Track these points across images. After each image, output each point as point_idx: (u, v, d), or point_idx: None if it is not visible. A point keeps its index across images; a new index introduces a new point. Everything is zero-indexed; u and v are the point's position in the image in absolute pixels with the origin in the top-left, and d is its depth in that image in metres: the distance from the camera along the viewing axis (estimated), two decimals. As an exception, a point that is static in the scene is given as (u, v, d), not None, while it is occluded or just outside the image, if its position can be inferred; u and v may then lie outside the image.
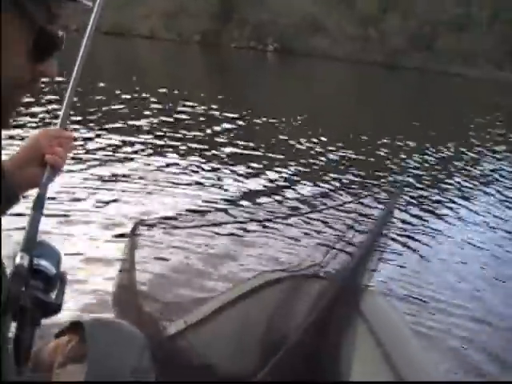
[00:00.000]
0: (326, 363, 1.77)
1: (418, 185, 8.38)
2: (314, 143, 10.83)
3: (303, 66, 36.49)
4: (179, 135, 9.93)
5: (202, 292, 3.55)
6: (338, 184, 7.74)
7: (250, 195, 6.61)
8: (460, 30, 48.20)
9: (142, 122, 10.81)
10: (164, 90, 15.84)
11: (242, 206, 5.98)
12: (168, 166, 7.69)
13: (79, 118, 9.86)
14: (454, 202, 7.54)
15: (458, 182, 8.94)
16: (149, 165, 7.57)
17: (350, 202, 3.34)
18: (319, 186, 7.56)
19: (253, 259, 4.56)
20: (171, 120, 11.43)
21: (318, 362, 1.76)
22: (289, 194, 6.99)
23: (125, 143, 8.82)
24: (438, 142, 12.61)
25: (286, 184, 7.54)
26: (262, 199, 6.46)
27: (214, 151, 8.99)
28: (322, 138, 11.43)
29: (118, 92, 14.73)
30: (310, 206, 5.29)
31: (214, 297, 2.24)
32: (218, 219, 4.15)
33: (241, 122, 12.26)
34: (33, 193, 1.28)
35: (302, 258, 2.54)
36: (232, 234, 4.89)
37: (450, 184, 8.81)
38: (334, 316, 1.92)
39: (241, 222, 4.57)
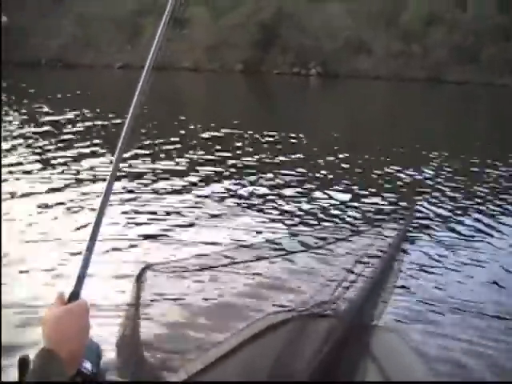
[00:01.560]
0: None
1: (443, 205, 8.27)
2: (347, 163, 10.85)
3: (346, 88, 36.49)
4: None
5: (208, 338, 3.50)
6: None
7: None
8: (506, 39, 47.24)
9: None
10: (205, 120, 16.21)
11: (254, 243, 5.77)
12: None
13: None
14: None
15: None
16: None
17: (358, 234, 3.24)
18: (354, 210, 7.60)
19: (259, 300, 4.49)
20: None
21: None
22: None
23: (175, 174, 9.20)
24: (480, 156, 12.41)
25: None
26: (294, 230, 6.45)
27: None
28: (357, 157, 11.45)
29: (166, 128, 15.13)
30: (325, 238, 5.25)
31: (219, 343, 2.18)
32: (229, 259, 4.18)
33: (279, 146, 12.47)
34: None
35: (309, 297, 2.46)
36: (236, 273, 4.82)
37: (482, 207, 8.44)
38: (343, 357, 1.88)
39: (248, 261, 4.59)
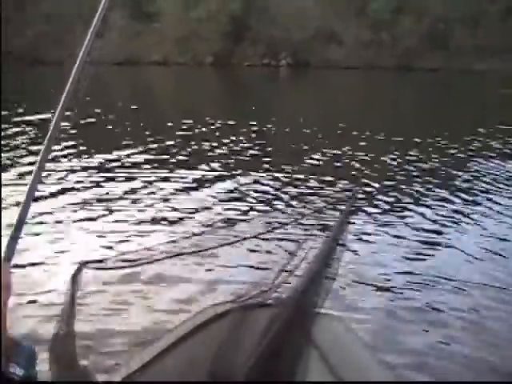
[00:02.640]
0: None
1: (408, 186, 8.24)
2: (312, 150, 10.81)
3: (316, 78, 36.52)
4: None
5: (146, 334, 3.42)
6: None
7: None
8: (474, 25, 47.67)
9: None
10: (175, 112, 16.11)
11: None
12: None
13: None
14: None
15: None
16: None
17: (302, 218, 3.13)
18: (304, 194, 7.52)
19: (200, 291, 4.37)
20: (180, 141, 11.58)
21: None
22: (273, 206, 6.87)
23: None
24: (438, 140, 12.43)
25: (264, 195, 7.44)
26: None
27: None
28: (324, 144, 11.43)
29: (131, 120, 14.99)
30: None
31: (157, 339, 2.15)
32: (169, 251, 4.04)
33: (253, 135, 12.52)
34: None
35: (249, 286, 2.43)
36: (175, 265, 4.44)
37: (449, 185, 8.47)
38: (285, 346, 1.86)
39: (189, 253, 4.43)
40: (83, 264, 2.50)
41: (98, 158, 9.74)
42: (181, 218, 6.32)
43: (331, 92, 27.49)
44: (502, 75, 35.30)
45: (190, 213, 6.49)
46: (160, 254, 3.72)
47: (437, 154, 10.65)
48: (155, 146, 11.14)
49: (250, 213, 6.55)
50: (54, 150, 10.29)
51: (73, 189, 7.59)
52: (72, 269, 2.41)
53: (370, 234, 5.75)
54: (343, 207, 2.83)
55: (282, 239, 4.92)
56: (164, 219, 6.29)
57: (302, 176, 8.56)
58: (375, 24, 47.89)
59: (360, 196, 6.95)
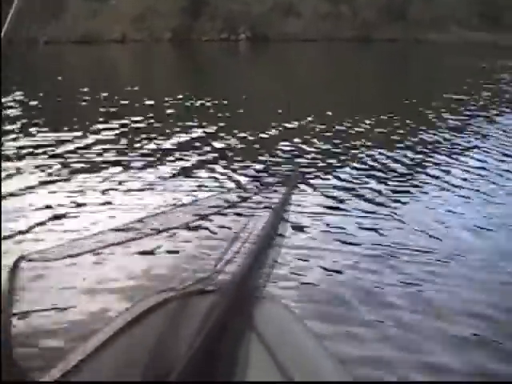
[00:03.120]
0: (220, 382, 1.67)
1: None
2: (273, 122, 10.84)
3: (275, 51, 36.41)
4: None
5: (85, 329, 3.17)
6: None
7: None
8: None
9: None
10: (134, 89, 15.96)
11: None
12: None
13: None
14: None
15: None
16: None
17: (244, 200, 2.98)
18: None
19: (143, 279, 4.22)
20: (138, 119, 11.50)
21: (211, 382, 1.67)
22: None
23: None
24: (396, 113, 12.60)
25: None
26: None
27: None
28: (283, 117, 11.47)
29: (90, 95, 14.83)
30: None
31: (94, 333, 2.01)
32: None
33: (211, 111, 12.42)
34: None
35: (190, 273, 2.36)
36: (120, 254, 4.31)
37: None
38: (225, 332, 1.80)
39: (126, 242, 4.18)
40: (22, 256, 2.38)
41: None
42: (126, 203, 6.20)
43: (292, 65, 27.48)
44: (454, 45, 35.73)
45: (139, 198, 6.31)
46: (101, 243, 3.57)
47: (391, 126, 10.72)
48: (110, 124, 11.00)
49: (195, 194, 6.43)
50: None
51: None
52: (10, 261, 2.34)
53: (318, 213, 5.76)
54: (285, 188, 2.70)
55: (222, 223, 4.74)
56: (110, 203, 6.14)
57: (253, 153, 8.45)
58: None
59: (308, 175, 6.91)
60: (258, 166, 7.66)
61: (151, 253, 4.57)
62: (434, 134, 9.77)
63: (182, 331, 1.82)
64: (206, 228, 4.89)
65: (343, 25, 46.71)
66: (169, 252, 4.60)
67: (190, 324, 1.82)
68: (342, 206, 5.93)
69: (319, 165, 7.63)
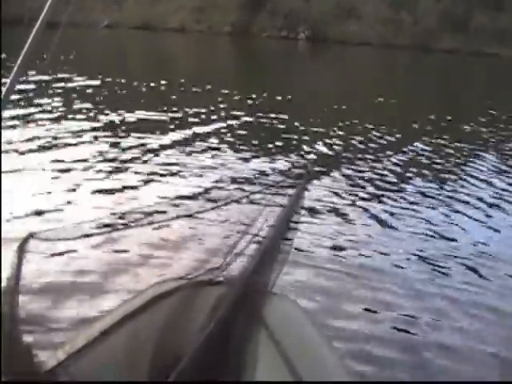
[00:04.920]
0: (227, 375, 1.65)
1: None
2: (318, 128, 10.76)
3: (333, 53, 36.23)
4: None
5: (92, 311, 3.29)
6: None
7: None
8: (496, 8, 47.05)
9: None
10: (191, 80, 16.03)
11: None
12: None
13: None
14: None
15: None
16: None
17: (258, 192, 2.93)
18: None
19: (149, 268, 4.16)
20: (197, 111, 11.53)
21: (218, 374, 1.65)
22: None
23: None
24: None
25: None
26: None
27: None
28: (341, 121, 11.37)
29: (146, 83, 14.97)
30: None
31: (103, 316, 1.99)
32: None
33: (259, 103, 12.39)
34: None
35: (200, 263, 2.26)
36: (129, 237, 4.39)
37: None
38: (234, 325, 1.78)
39: (141, 225, 4.02)
40: (31, 234, 2.32)
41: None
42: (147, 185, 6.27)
43: (348, 70, 27.24)
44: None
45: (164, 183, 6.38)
46: (111, 226, 3.52)
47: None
48: (161, 111, 11.04)
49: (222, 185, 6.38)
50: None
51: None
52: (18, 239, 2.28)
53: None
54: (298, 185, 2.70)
55: (235, 215, 4.78)
56: (130, 187, 6.15)
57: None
58: (395, 1, 47.36)
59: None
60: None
61: (165, 238, 4.50)
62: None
63: (191, 320, 1.81)
64: (217, 219, 4.76)
65: (403, 31, 46.14)
66: (179, 241, 4.53)
67: (199, 314, 1.80)
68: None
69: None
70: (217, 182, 6.48)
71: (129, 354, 1.80)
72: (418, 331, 3.53)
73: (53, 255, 3.81)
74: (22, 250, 2.09)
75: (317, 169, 7.17)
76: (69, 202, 5.54)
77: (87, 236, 2.36)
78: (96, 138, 8.35)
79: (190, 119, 10.41)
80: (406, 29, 46.56)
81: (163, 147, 8.05)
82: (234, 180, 6.55)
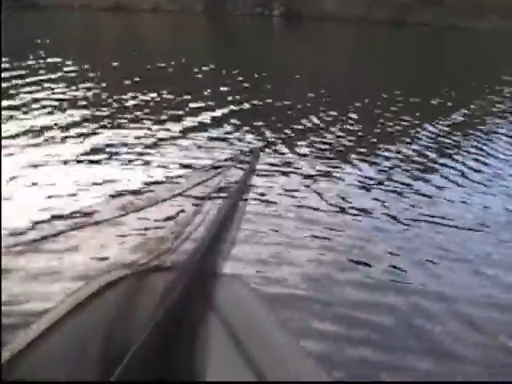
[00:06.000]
0: (179, 362, 1.57)
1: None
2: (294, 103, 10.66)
3: (309, 29, 35.99)
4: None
5: (39, 306, 3.14)
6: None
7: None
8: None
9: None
10: (168, 60, 15.90)
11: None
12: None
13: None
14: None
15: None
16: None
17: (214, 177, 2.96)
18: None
19: (93, 259, 4.05)
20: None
21: (169, 362, 1.57)
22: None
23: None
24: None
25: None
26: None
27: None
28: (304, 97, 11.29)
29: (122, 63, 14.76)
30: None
31: (48, 310, 1.89)
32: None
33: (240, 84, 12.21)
34: None
35: (149, 249, 2.19)
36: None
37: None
38: (185, 310, 1.72)
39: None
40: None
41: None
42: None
43: (326, 44, 27.14)
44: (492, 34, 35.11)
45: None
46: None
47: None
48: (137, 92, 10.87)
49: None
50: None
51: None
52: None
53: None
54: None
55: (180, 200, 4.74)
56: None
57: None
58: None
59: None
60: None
61: (114, 228, 4.41)
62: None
63: (140, 309, 1.73)
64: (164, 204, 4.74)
65: (378, 5, 45.92)
66: (132, 226, 4.44)
67: (146, 302, 1.73)
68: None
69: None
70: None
71: (76, 349, 1.68)
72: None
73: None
74: None
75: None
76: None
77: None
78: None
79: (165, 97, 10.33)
80: (381, 3, 46.35)
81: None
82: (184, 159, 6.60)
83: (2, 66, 13.13)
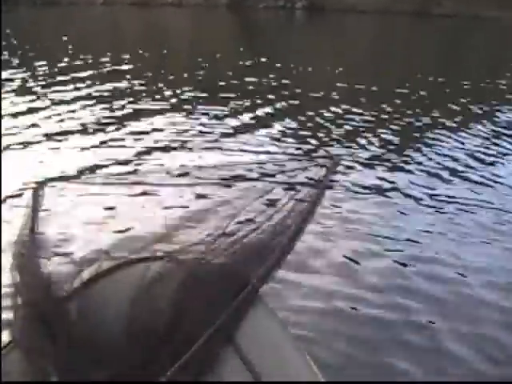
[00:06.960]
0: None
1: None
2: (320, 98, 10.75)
3: (331, 22, 35.89)
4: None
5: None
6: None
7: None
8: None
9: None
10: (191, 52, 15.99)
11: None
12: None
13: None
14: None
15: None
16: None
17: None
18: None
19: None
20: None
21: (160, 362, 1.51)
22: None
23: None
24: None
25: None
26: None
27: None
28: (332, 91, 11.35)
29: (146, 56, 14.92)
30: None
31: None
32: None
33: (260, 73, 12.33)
34: None
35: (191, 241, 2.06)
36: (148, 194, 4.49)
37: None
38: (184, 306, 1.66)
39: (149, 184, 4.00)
40: (46, 180, 2.39)
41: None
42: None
43: (349, 36, 27.07)
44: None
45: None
46: (124, 181, 3.51)
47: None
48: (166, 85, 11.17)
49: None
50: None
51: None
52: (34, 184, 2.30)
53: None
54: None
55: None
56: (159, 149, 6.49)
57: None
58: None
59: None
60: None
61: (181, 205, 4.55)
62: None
63: (157, 293, 1.66)
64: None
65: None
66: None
67: (171, 288, 1.66)
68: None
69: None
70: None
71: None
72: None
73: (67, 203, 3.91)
74: (36, 196, 2.12)
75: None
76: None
77: (95, 184, 2.35)
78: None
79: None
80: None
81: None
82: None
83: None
